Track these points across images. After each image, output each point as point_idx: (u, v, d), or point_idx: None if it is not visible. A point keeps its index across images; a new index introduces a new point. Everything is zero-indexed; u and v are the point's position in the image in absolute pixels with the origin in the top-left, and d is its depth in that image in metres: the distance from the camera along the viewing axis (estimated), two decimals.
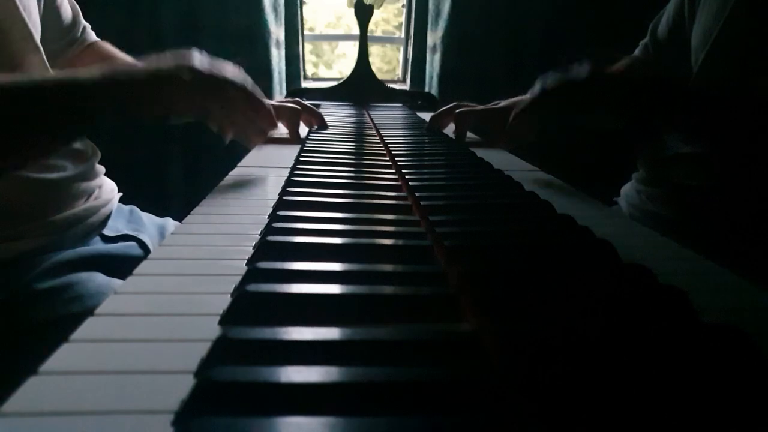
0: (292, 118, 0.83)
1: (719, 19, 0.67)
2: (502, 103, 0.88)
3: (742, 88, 0.61)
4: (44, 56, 0.64)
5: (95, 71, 0.50)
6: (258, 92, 0.60)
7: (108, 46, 0.87)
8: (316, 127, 0.90)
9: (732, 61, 0.66)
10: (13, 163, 0.52)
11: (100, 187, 0.72)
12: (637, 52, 0.91)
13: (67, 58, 0.80)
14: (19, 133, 0.47)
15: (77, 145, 0.68)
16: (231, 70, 0.57)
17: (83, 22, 0.84)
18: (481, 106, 0.90)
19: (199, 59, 0.54)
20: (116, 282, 0.60)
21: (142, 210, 0.82)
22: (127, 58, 0.87)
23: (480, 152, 0.73)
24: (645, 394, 0.20)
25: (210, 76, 0.54)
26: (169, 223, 0.83)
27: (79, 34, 0.82)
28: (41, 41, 0.71)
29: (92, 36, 0.86)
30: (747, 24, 0.64)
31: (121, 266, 0.62)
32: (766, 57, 0.62)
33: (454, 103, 0.93)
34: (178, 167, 1.46)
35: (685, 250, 0.40)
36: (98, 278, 0.60)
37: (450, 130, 0.94)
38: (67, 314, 0.54)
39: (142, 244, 0.72)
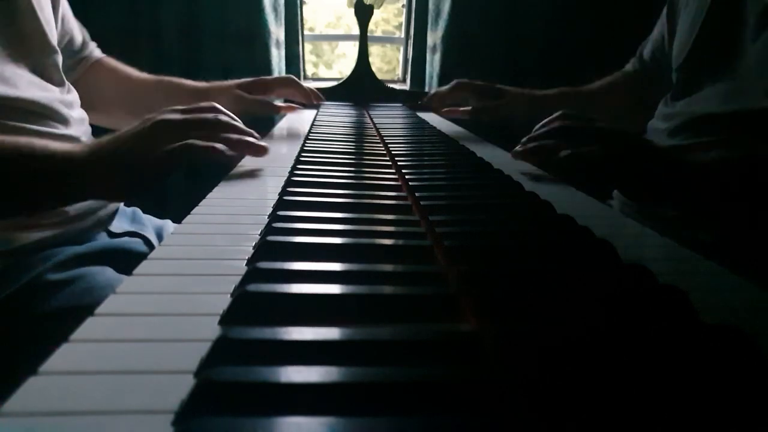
0: (288, 81, 0.96)
1: (691, 34, 0.73)
2: (497, 86, 0.99)
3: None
4: (60, 66, 0.67)
5: (86, 147, 0.53)
6: (233, 122, 0.61)
7: (112, 62, 0.90)
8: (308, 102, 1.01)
9: (702, 73, 0.71)
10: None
11: None
12: (628, 66, 0.98)
13: (75, 77, 0.82)
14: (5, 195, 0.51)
15: (84, 139, 0.70)
16: (205, 111, 0.60)
17: (90, 42, 0.86)
18: (479, 82, 1.01)
19: (169, 113, 0.57)
20: (125, 277, 0.61)
21: (143, 212, 0.83)
22: (131, 71, 0.89)
23: (479, 151, 0.73)
24: (645, 395, 0.20)
25: (184, 120, 0.56)
26: (168, 225, 0.84)
27: (86, 53, 0.85)
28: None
29: (97, 53, 0.88)
30: (714, 39, 0.70)
31: (128, 261, 0.64)
32: (731, 71, 0.67)
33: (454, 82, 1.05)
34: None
35: (684, 250, 0.40)
36: (108, 272, 0.61)
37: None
38: (77, 306, 0.55)
39: (147, 241, 0.73)
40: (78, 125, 0.69)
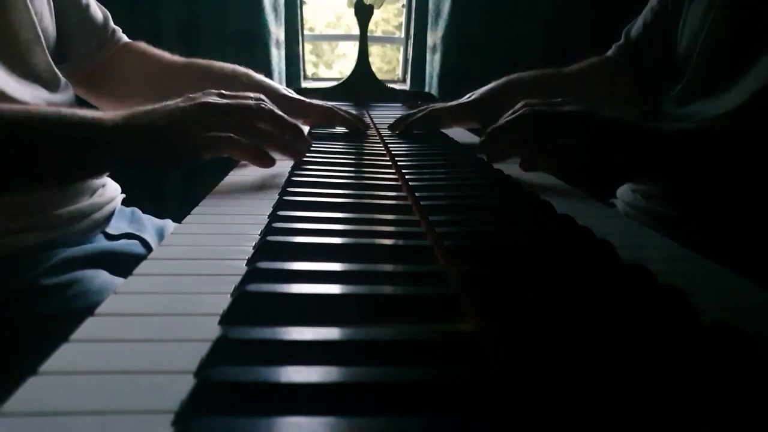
0: (328, 114, 0.84)
1: (706, 20, 0.69)
2: (474, 96, 0.87)
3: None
4: (50, 59, 0.66)
5: (118, 114, 0.52)
6: (278, 112, 0.60)
7: (143, 45, 0.86)
8: (354, 132, 0.86)
9: (720, 70, 0.67)
10: (20, 190, 0.54)
11: (104, 185, 0.73)
12: (609, 52, 0.92)
13: (99, 61, 0.80)
14: (29, 164, 0.49)
15: None
16: (248, 99, 0.59)
17: (113, 25, 0.83)
18: (452, 103, 0.88)
19: (213, 97, 0.56)
20: (120, 280, 0.60)
21: (143, 212, 0.83)
22: (163, 55, 0.85)
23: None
24: (645, 395, 0.20)
25: (226, 107, 0.56)
26: (169, 224, 0.83)
27: (108, 35, 0.82)
28: (71, 46, 0.73)
29: (124, 38, 0.85)
30: (733, 32, 0.66)
31: (124, 264, 0.63)
32: (756, 66, 0.63)
33: (424, 107, 0.91)
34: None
35: (684, 250, 0.40)
36: (103, 276, 0.61)
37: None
38: (71, 310, 0.55)
39: (144, 243, 0.73)
40: None
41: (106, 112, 0.53)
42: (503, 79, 0.89)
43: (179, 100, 0.55)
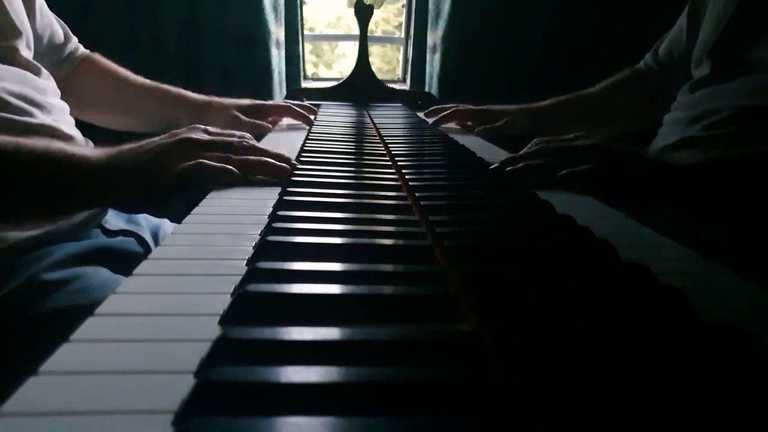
0: (283, 109, 0.99)
1: (719, 26, 0.72)
2: (496, 108, 0.99)
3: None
4: (32, 54, 0.66)
5: (102, 153, 0.53)
6: (259, 146, 0.60)
7: (103, 60, 0.88)
8: (307, 124, 0.98)
9: (730, 65, 0.70)
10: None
11: None
12: (642, 63, 0.97)
13: (61, 76, 0.81)
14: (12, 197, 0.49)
15: (64, 128, 0.68)
16: (232, 137, 0.59)
17: (73, 38, 0.85)
18: (479, 107, 0.99)
19: (197, 132, 0.56)
20: (120, 278, 0.61)
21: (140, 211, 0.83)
22: (127, 73, 0.88)
23: (480, 152, 0.73)
24: (645, 395, 0.20)
25: (206, 141, 0.55)
26: (165, 224, 0.83)
27: (68, 51, 0.83)
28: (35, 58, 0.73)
29: (81, 50, 0.87)
30: (745, 31, 0.69)
31: (122, 261, 0.63)
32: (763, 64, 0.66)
33: (453, 105, 1.03)
34: None
35: (685, 250, 0.40)
36: (103, 272, 0.61)
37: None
38: (73, 306, 0.55)
39: (141, 241, 0.73)
40: (58, 114, 0.68)
41: (94, 150, 0.54)
42: (524, 106, 0.99)
43: (164, 136, 0.56)
